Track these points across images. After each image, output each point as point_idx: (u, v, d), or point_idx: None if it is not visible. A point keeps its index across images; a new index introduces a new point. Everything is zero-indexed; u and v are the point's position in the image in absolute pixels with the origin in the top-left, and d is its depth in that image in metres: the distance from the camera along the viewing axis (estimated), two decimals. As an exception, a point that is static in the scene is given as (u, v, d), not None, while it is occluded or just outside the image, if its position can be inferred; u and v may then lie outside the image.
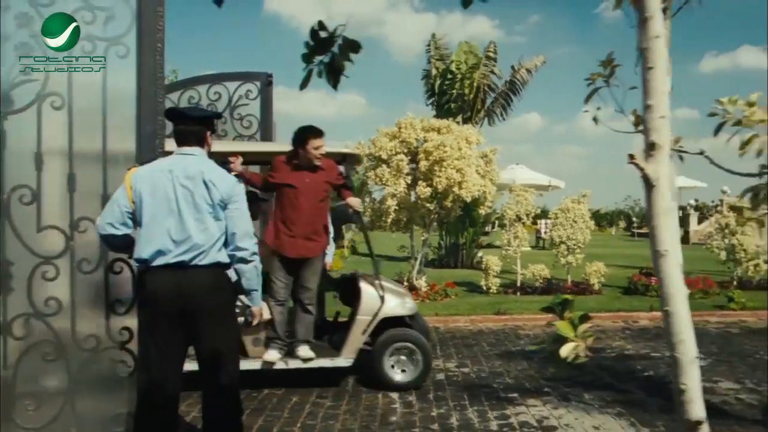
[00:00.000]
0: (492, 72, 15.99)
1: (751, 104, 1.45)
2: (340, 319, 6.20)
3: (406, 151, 9.39)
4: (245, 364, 5.12)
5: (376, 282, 5.49)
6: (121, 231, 3.31)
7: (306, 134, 5.11)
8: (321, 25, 1.58)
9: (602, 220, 46.93)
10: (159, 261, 3.22)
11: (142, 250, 3.24)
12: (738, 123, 1.50)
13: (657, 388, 5.61)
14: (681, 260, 1.19)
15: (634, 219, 40.07)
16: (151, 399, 3.32)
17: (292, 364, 5.25)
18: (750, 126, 1.47)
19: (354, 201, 5.44)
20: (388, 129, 9.56)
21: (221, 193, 3.28)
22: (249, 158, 5.59)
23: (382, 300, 5.39)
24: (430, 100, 16.19)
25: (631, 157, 1.16)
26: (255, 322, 3.68)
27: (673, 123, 1.67)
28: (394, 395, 5.32)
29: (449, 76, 15.62)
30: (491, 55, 15.89)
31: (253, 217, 6.39)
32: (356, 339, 5.33)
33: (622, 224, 46.26)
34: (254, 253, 3.38)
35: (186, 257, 3.22)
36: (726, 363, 6.57)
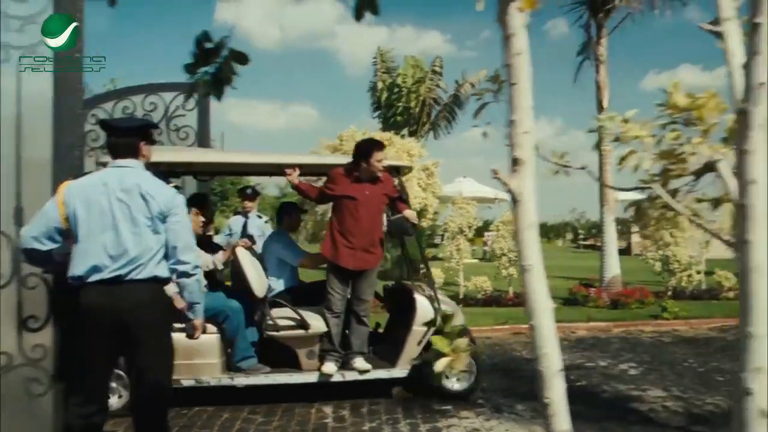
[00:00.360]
0: (437, 86, 16.19)
1: (625, 121, 1.49)
2: (379, 330, 6.21)
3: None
4: (301, 378, 5.32)
5: (430, 293, 5.53)
6: (47, 246, 3.20)
7: (372, 147, 5.18)
8: (206, 36, 1.56)
9: (550, 232, 47.78)
10: (94, 277, 3.12)
11: (77, 267, 3.14)
12: (617, 139, 1.54)
13: (588, 397, 5.71)
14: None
15: (580, 231, 40.95)
16: (79, 417, 3.21)
17: (349, 376, 5.31)
18: (626, 141, 1.50)
19: (411, 213, 5.48)
20: (330, 141, 9.53)
21: (160, 206, 3.19)
22: (306, 170, 5.64)
23: (437, 312, 5.38)
24: (377, 113, 16.29)
25: (495, 172, 1.17)
26: (197, 336, 3.61)
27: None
28: (328, 410, 5.27)
29: (396, 89, 15.73)
30: (437, 69, 16.07)
31: (294, 228, 6.40)
32: (411, 350, 5.37)
33: (569, 236, 47.23)
34: (196, 266, 3.32)
35: (122, 272, 3.12)
36: (656, 371, 6.72)
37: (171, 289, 5.11)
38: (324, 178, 5.55)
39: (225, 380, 5.12)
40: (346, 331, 5.44)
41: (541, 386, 1.21)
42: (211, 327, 5.08)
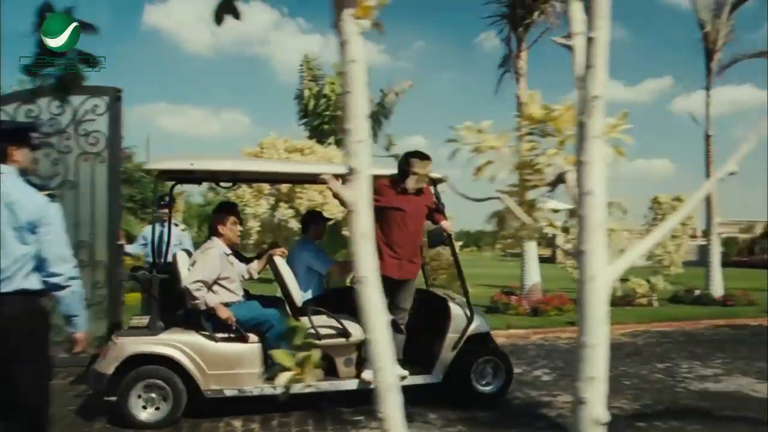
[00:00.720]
0: (364, 95, 16.21)
1: (480, 131, 1.49)
2: None
3: (269, 171, 9.24)
4: (342, 385, 5.36)
5: (462, 301, 5.76)
6: None
7: (419, 160, 5.33)
8: (48, 35, 1.47)
9: (480, 240, 48.55)
10: None
11: None
12: (476, 149, 1.54)
13: (500, 404, 5.77)
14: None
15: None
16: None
17: None
18: (483, 152, 1.50)
19: (447, 224, 5.72)
20: (250, 149, 9.42)
21: (29, 215, 3.00)
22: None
23: (470, 319, 5.62)
24: (303, 121, 16.18)
25: (325, 181, 1.15)
26: (78, 350, 3.42)
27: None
28: (237, 423, 5.14)
29: (323, 98, 15.66)
30: (364, 78, 16.11)
31: (320, 236, 6.35)
32: (446, 356, 5.58)
33: (499, 245, 48.04)
34: (71, 278, 3.12)
35: None
36: (568, 377, 6.86)
37: (215, 298, 5.19)
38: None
39: (267, 389, 5.13)
40: None
41: (376, 401, 1.18)
42: (252, 336, 5.17)
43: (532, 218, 1.50)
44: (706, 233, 14.21)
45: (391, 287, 5.39)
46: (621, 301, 12.30)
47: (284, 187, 9.17)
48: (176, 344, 4.98)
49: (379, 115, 16.16)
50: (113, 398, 4.87)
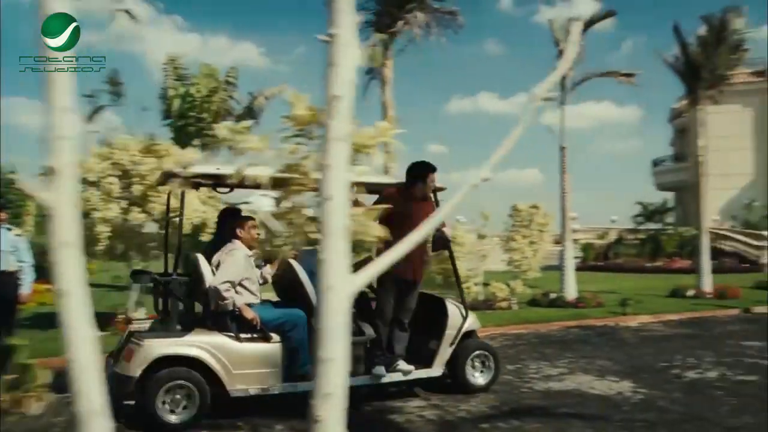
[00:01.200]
0: (231, 97, 15.80)
1: (241, 131, 1.41)
2: None
3: (119, 173, 8.72)
4: (356, 381, 5.35)
5: (457, 302, 6.27)
6: None
7: (427, 170, 5.85)
8: None
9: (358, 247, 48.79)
10: None
11: None
12: (238, 151, 1.45)
13: (350, 413, 5.74)
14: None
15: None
16: None
17: (394, 377, 5.85)
18: (242, 153, 1.42)
19: (448, 230, 6.28)
20: (100, 149, 8.86)
21: None
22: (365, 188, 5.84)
23: (465, 317, 6.13)
24: (167, 122, 15.49)
25: (12, 183, 1.02)
26: None
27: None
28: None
29: (189, 98, 15.06)
30: (231, 80, 15.69)
31: None
32: (445, 351, 6.06)
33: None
34: None
35: None
36: (425, 381, 6.93)
37: (240, 299, 5.22)
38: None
39: (288, 388, 5.36)
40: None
41: (78, 429, 1.06)
42: (275, 336, 5.34)
43: (295, 223, 1.44)
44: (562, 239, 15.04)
45: (402, 289, 5.86)
46: (482, 305, 12.73)
47: (136, 190, 8.69)
48: (203, 345, 5.06)
49: (246, 118, 15.81)
50: (133, 401, 4.87)
